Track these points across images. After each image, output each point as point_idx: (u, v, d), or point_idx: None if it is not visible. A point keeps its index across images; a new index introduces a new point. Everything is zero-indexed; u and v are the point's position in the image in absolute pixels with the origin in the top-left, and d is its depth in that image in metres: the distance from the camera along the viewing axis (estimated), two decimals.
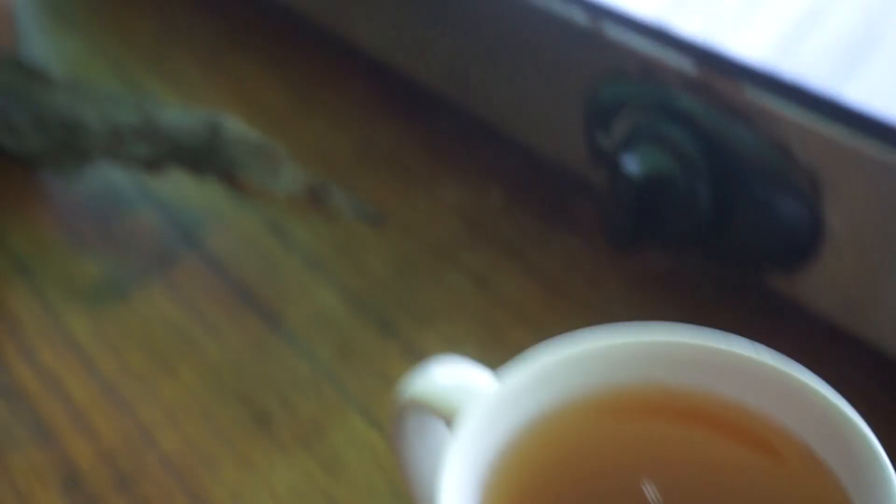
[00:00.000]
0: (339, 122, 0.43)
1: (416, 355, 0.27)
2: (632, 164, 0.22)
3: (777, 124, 0.22)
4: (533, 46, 0.30)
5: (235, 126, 0.37)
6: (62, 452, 0.27)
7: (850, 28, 0.26)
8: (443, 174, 0.37)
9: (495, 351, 0.20)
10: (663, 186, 0.22)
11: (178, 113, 0.39)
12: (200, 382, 0.30)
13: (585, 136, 0.27)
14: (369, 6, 0.41)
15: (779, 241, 0.23)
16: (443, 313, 0.31)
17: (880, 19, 0.26)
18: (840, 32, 0.26)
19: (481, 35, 0.34)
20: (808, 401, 0.14)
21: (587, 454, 0.16)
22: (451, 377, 0.17)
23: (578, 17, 0.26)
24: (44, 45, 0.51)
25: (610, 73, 0.26)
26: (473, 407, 0.15)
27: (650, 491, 0.14)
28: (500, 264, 0.32)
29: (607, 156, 0.25)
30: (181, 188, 0.38)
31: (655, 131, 0.23)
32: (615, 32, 0.25)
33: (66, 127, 0.40)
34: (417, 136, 0.40)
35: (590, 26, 0.26)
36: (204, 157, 0.37)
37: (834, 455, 0.14)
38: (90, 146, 0.39)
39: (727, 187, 0.22)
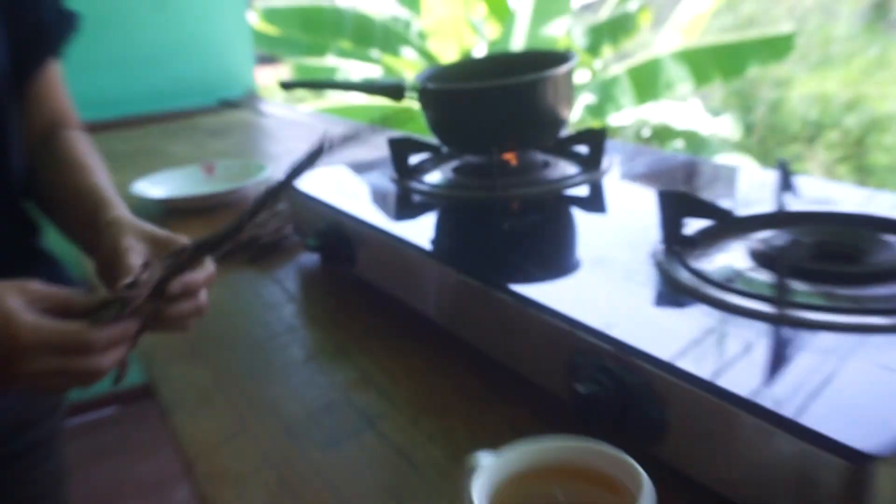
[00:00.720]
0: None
1: None
2: (585, 387, 0.48)
3: (650, 376, 0.47)
4: (543, 332, 0.57)
5: None
6: None
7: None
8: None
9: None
10: (598, 400, 0.48)
11: None
12: None
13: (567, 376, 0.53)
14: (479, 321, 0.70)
15: (648, 429, 0.48)
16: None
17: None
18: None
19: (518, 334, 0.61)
20: (619, 460, 0.38)
21: (526, 492, 0.40)
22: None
23: (564, 325, 0.54)
24: None
25: (580, 349, 0.52)
26: (485, 467, 0.39)
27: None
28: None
29: (576, 387, 0.50)
30: None
31: (597, 375, 0.48)
32: (583, 334, 0.52)
33: None
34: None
35: (570, 330, 0.53)
36: None
37: (629, 482, 0.38)
38: None
39: (628, 403, 0.48)
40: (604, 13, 5.32)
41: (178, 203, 1.19)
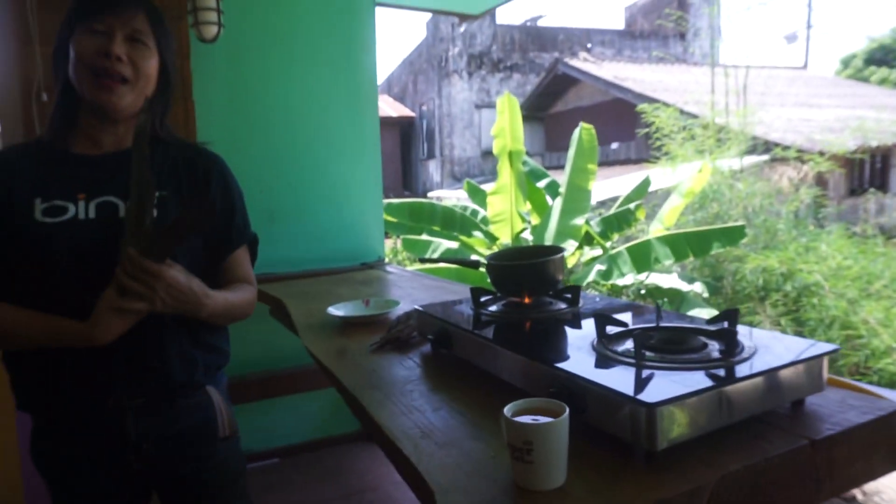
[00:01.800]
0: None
1: None
2: (555, 391, 0.84)
3: (584, 386, 0.83)
4: (540, 371, 0.93)
5: None
6: None
7: None
8: None
9: None
10: (559, 396, 0.83)
11: None
12: None
13: (548, 388, 0.88)
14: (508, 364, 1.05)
15: (580, 406, 0.83)
16: None
17: None
18: None
19: None
20: (559, 403, 0.74)
21: (522, 411, 0.76)
22: None
23: (548, 368, 0.90)
24: None
25: (558, 377, 0.88)
26: (508, 407, 0.76)
27: None
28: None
29: (551, 392, 0.86)
30: None
31: (563, 387, 0.84)
32: (560, 372, 0.89)
33: None
34: None
35: (551, 370, 0.89)
36: None
37: (560, 409, 0.74)
38: None
39: (575, 397, 0.83)
40: (612, 210, 5.71)
41: (351, 320, 1.52)
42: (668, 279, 4.96)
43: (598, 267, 4.60)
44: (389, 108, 16.53)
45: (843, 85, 14.45)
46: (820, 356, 0.84)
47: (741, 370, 0.80)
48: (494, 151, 5.26)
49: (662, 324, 0.98)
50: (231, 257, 1.10)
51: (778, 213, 5.30)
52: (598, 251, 5.21)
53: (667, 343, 0.90)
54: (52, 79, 1.73)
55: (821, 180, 8.07)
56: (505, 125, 5.12)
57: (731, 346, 0.85)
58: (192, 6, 2.10)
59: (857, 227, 5.65)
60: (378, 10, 2.80)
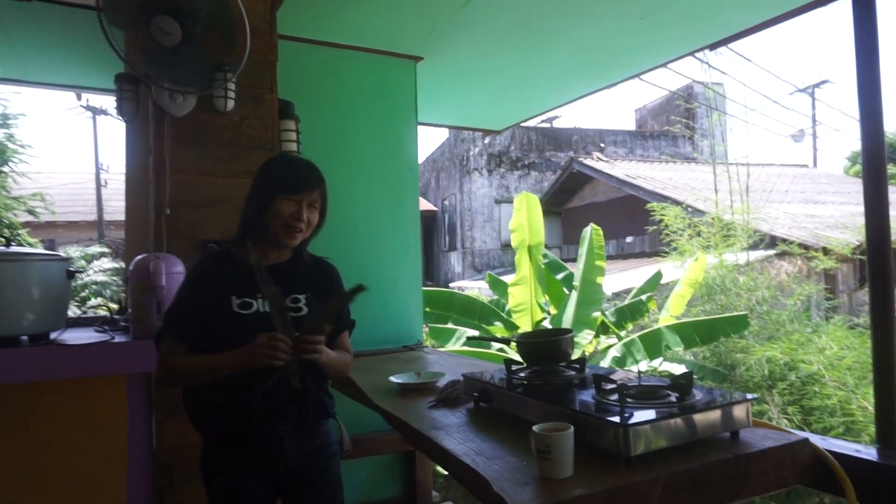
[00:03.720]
0: None
1: None
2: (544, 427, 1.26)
3: (585, 420, 1.24)
4: (556, 412, 1.34)
5: None
6: None
7: None
8: None
9: None
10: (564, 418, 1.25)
11: None
12: None
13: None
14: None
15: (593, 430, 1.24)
16: None
17: None
18: None
19: None
20: (566, 424, 1.16)
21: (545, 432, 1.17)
22: None
23: (565, 409, 1.32)
24: None
25: (566, 415, 1.29)
26: (536, 427, 1.18)
27: None
28: None
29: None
30: None
31: (564, 418, 1.26)
32: (567, 411, 1.30)
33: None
34: None
35: (566, 411, 1.31)
36: None
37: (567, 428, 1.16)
38: None
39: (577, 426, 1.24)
40: (626, 301, 6.13)
41: (408, 386, 1.92)
42: (679, 368, 5.27)
43: (613, 354, 4.94)
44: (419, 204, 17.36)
45: (850, 182, 15.04)
46: (739, 402, 1.26)
47: (685, 409, 1.22)
48: (512, 244, 5.70)
49: (641, 383, 1.40)
50: (340, 336, 1.61)
51: (784, 305, 5.66)
52: (613, 339, 5.57)
53: (642, 393, 1.32)
54: (175, 199, 2.27)
55: (828, 274, 8.44)
56: (523, 220, 5.59)
57: (684, 395, 1.28)
58: (280, 138, 2.68)
59: (859, 319, 5.96)
60: None
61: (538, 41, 3.10)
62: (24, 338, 1.81)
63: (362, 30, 2.96)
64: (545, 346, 1.63)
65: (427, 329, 5.93)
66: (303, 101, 2.82)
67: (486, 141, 15.03)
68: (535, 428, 1.13)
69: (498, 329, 5.61)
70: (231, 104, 2.33)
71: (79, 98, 14.79)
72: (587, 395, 1.39)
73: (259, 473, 1.45)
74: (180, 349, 1.42)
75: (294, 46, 2.96)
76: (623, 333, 5.61)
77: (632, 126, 18.52)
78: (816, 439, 1.31)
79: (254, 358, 1.33)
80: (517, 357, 1.73)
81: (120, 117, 2.37)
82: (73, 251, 11.96)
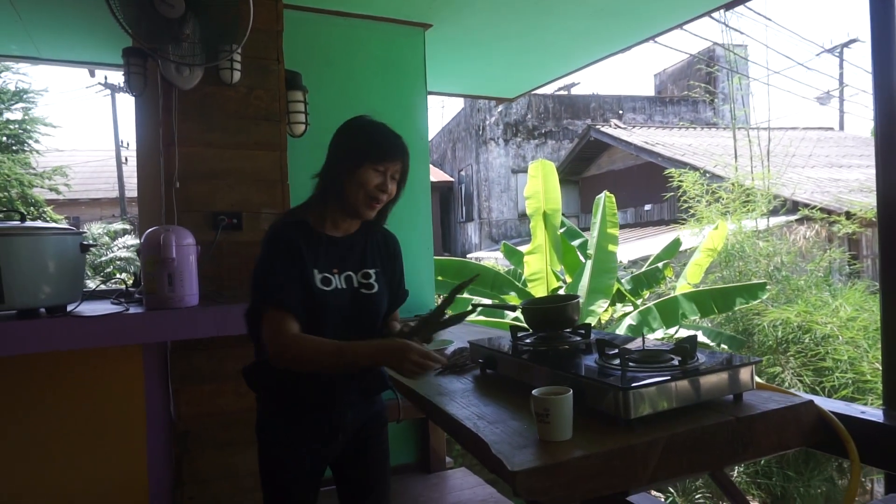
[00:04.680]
0: None
1: None
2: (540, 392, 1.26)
3: (586, 384, 1.24)
4: (556, 376, 1.35)
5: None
6: None
7: None
8: None
9: None
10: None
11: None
12: None
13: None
14: None
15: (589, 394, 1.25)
16: None
17: None
18: None
19: None
20: (566, 388, 1.17)
21: (545, 395, 1.18)
22: None
23: (566, 373, 1.32)
24: None
25: (566, 378, 1.30)
26: (536, 391, 1.18)
27: None
28: None
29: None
30: None
31: (570, 382, 1.27)
32: (563, 375, 1.31)
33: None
34: None
35: (565, 374, 1.32)
36: None
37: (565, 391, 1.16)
38: None
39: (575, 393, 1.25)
40: (643, 269, 6.08)
41: None
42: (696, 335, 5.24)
43: (629, 322, 4.92)
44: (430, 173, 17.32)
45: None
46: (742, 365, 1.25)
47: (686, 372, 1.21)
48: (528, 212, 5.65)
49: (645, 347, 1.40)
50: (395, 310, 1.59)
51: (805, 271, 5.58)
52: (629, 308, 5.55)
53: (645, 357, 1.32)
54: (184, 171, 2.28)
55: (852, 239, 8.28)
56: (539, 188, 5.53)
57: (686, 359, 1.27)
58: (287, 109, 2.67)
59: None
60: None
61: (548, 4, 3.03)
62: (42, 310, 1.85)
63: None
64: (550, 312, 1.63)
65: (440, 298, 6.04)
66: (310, 71, 2.81)
67: (500, 109, 14.84)
68: (534, 392, 1.14)
69: (512, 298, 5.60)
70: (237, 76, 2.32)
71: (92, 75, 14.86)
72: (591, 360, 1.39)
73: (318, 443, 1.46)
74: (294, 324, 1.31)
75: (301, 16, 2.93)
76: (639, 302, 5.58)
77: (651, 92, 18.14)
78: (821, 401, 1.30)
79: (397, 367, 1.27)
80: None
81: (129, 91, 2.39)
82: (97, 228, 12.17)
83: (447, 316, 1.41)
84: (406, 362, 1.25)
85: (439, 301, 1.47)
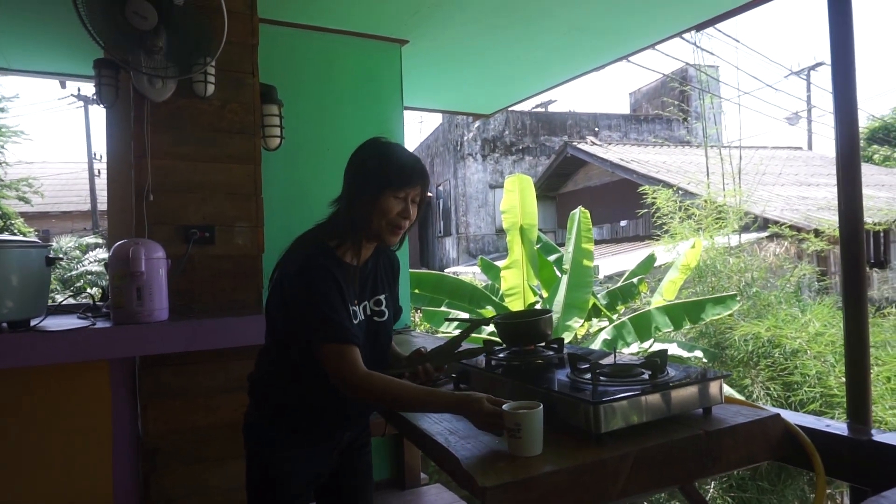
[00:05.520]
0: None
1: None
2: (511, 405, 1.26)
3: (555, 399, 1.24)
4: (526, 390, 1.35)
5: None
6: None
7: None
8: None
9: None
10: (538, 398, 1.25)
11: None
12: None
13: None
14: None
15: (557, 408, 1.24)
16: None
17: None
18: None
19: None
20: (536, 402, 1.17)
21: (515, 409, 1.18)
22: None
23: (534, 387, 1.32)
24: None
25: (538, 392, 1.30)
26: (508, 405, 1.18)
27: None
28: None
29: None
30: None
31: (542, 396, 1.27)
32: (534, 389, 1.31)
33: None
34: None
35: (534, 388, 1.32)
36: None
37: (536, 406, 1.16)
38: None
39: (549, 406, 1.25)
40: (619, 284, 6.12)
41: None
42: (671, 348, 5.30)
43: (604, 336, 4.94)
44: None
45: None
46: (711, 379, 1.26)
47: (656, 386, 1.22)
48: (504, 226, 5.64)
49: (616, 362, 1.41)
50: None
51: (775, 287, 5.67)
52: (605, 322, 5.58)
53: (615, 371, 1.33)
54: (156, 184, 2.25)
55: (821, 256, 8.46)
56: (515, 202, 5.53)
57: (656, 373, 1.28)
58: (262, 123, 2.66)
59: None
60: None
61: (523, 22, 3.07)
62: (4, 325, 1.80)
63: (345, 12, 2.93)
64: (522, 327, 1.63)
65: (420, 312, 6.05)
66: (286, 85, 2.80)
67: (478, 125, 14.95)
68: (504, 406, 1.13)
69: (489, 312, 5.60)
70: (211, 88, 2.30)
71: (63, 86, 14.66)
72: (563, 375, 1.39)
73: (320, 459, 1.46)
74: (360, 358, 1.28)
75: (277, 30, 2.93)
76: (615, 316, 5.61)
77: (626, 110, 18.44)
78: (788, 415, 1.31)
79: (476, 421, 1.20)
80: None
81: (100, 103, 2.35)
82: (68, 242, 11.93)
83: (461, 349, 1.48)
84: (487, 418, 1.17)
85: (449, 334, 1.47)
